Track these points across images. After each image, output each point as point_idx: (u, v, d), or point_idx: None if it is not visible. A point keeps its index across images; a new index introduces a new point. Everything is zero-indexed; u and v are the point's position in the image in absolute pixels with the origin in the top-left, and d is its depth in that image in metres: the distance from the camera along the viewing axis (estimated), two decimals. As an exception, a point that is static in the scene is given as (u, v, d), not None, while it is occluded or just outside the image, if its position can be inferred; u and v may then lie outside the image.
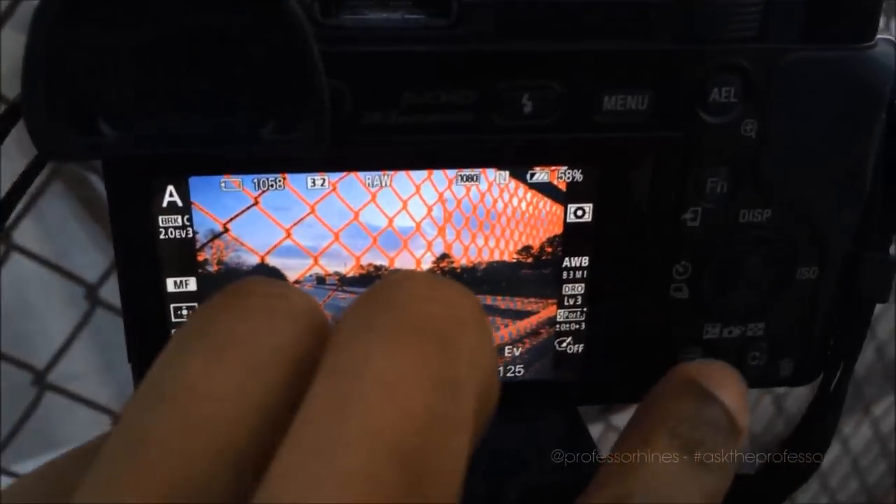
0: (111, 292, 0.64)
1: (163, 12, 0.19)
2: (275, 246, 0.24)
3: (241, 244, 0.24)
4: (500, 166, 0.25)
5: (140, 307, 0.24)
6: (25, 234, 0.61)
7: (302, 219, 0.24)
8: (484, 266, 0.26)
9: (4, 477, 0.62)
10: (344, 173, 0.24)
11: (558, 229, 0.26)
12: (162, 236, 0.24)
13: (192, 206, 0.23)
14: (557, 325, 0.27)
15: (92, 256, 0.71)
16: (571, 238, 0.26)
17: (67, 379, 0.68)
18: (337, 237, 0.25)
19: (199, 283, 0.24)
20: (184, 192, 0.23)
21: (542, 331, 0.27)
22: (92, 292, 0.65)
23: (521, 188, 0.25)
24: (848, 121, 0.25)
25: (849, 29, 0.24)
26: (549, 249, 0.26)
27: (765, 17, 0.24)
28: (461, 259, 0.26)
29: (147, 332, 0.25)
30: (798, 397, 1.09)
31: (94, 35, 0.19)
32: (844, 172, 0.26)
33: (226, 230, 0.24)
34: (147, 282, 0.24)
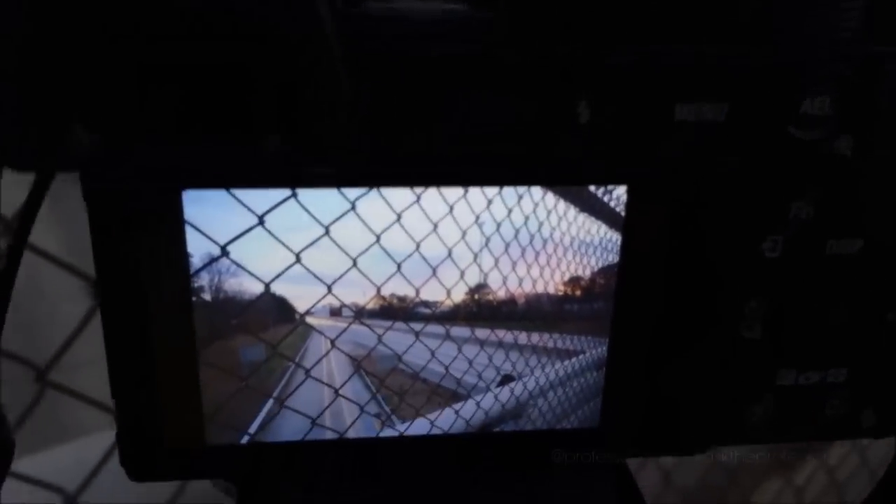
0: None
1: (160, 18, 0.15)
2: (282, 272, 0.21)
3: (243, 269, 0.21)
4: (547, 184, 0.21)
5: (124, 343, 0.21)
6: (37, 227, 0.59)
7: (315, 241, 0.21)
8: (525, 299, 0.22)
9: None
10: (365, 189, 0.20)
11: (614, 258, 0.22)
12: (150, 259, 0.20)
13: (186, 224, 0.20)
14: (609, 367, 0.23)
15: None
16: (629, 268, 0.22)
17: (77, 366, 0.66)
18: (355, 263, 0.21)
19: (193, 314, 0.21)
20: (176, 208, 0.20)
21: (591, 373, 0.23)
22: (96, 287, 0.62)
23: (572, 210, 0.21)
24: None
25: None
26: (603, 281, 0.22)
27: (867, 15, 0.20)
28: (499, 290, 0.22)
29: (132, 368, 0.21)
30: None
31: (79, 37, 0.15)
32: None
33: (225, 253, 0.20)
34: (132, 314, 0.21)
